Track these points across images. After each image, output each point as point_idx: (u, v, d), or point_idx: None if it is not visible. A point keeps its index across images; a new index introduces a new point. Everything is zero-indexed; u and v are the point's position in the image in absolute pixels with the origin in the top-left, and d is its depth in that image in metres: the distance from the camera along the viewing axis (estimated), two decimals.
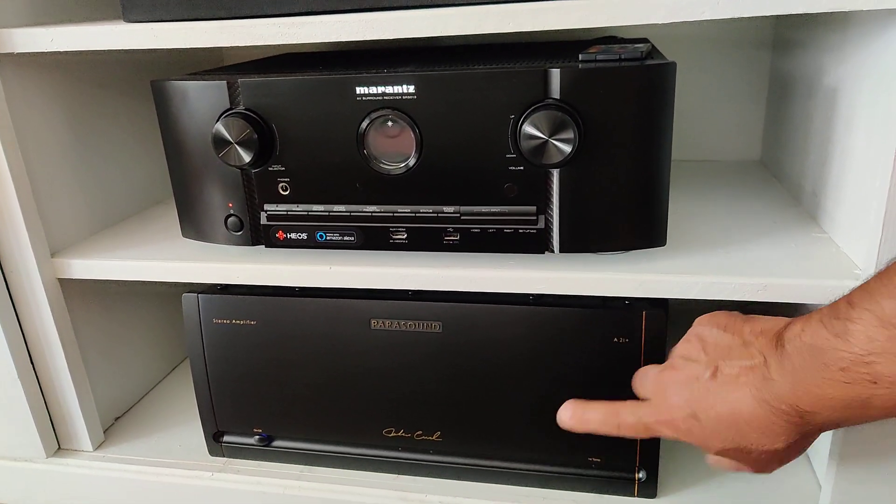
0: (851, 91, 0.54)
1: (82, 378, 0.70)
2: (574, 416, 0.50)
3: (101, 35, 0.55)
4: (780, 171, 0.76)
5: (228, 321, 0.63)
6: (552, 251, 0.54)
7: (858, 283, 0.49)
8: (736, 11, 0.45)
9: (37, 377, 0.69)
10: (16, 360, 0.66)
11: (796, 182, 0.69)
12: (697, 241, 0.59)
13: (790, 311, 0.67)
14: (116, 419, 0.77)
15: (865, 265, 0.49)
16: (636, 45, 0.55)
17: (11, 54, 0.58)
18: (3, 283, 0.64)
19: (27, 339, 0.67)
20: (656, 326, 0.55)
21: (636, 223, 0.53)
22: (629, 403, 0.49)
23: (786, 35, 0.75)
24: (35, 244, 0.63)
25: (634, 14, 0.47)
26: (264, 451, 0.67)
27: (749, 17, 0.46)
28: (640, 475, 0.60)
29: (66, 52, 0.57)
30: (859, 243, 0.52)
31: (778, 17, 0.77)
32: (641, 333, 0.55)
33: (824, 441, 0.58)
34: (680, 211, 0.67)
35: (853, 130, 0.54)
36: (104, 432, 0.74)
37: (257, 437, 0.67)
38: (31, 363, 0.68)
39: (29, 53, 0.58)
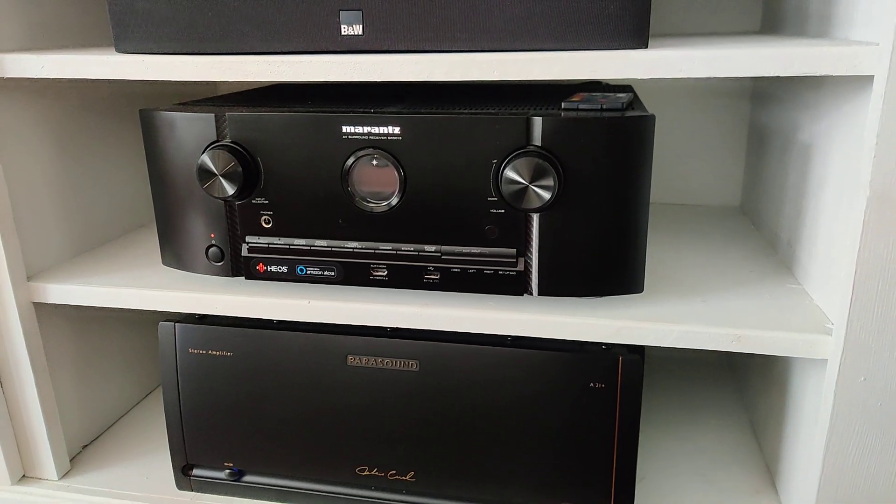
0: (824, 148, 0.56)
1: (51, 405, 0.69)
2: None
3: (91, 64, 0.56)
4: (758, 218, 0.77)
5: (204, 352, 0.63)
6: (531, 293, 0.55)
7: (830, 337, 0.50)
8: (711, 72, 0.47)
9: (5, 401, 0.67)
10: None
11: (773, 231, 0.70)
12: (675, 288, 0.60)
13: (770, 359, 0.68)
14: (84, 447, 0.75)
15: (838, 321, 0.50)
16: (618, 95, 0.57)
17: (1, 78, 0.59)
18: None
19: None
20: (633, 372, 0.55)
21: (614, 269, 0.54)
22: None
23: (764, 89, 0.78)
24: (11, 267, 0.62)
25: (616, 69, 0.48)
26: (234, 485, 0.66)
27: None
28: None
29: (56, 80, 0.57)
30: (832, 297, 0.53)
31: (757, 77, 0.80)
32: (618, 379, 0.56)
33: (799, 494, 0.59)
34: (659, 255, 0.68)
35: (825, 187, 0.55)
36: (70, 461, 0.73)
37: (227, 471, 0.66)
38: (0, 387, 0.67)
39: (19, 79, 0.58)
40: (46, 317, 0.67)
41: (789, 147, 0.66)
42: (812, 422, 0.55)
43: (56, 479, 0.70)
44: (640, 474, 0.68)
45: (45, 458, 0.69)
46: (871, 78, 0.45)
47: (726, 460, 0.70)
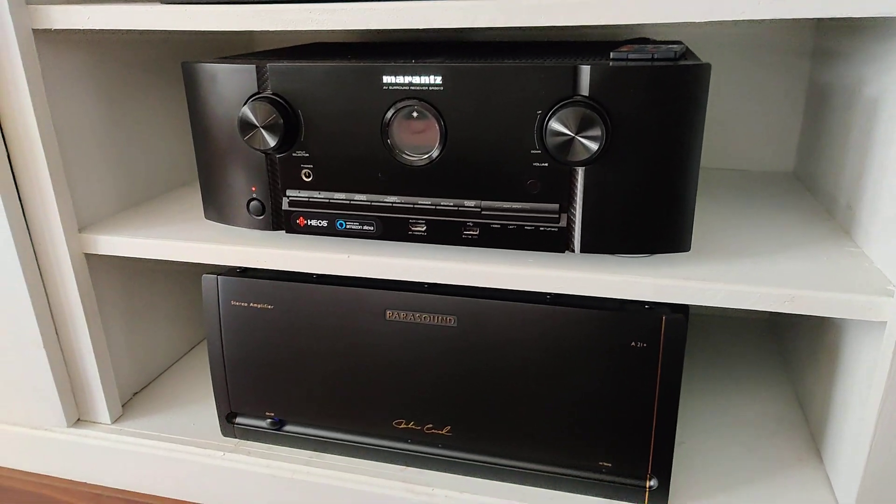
0: (893, 102, 0.52)
1: (104, 352, 0.71)
2: None
3: (136, 14, 0.56)
4: (813, 183, 0.74)
5: (246, 304, 0.64)
6: (573, 251, 0.54)
7: (891, 298, 0.47)
8: (776, 12, 0.44)
9: (61, 349, 0.70)
10: (42, 331, 0.68)
11: (830, 195, 0.67)
12: (723, 250, 0.58)
13: (820, 323, 0.65)
14: (134, 394, 0.78)
15: None
16: (670, 46, 0.54)
17: (49, 30, 0.59)
18: (33, 255, 0.66)
19: (53, 311, 0.68)
20: (676, 332, 0.54)
21: (661, 226, 0.52)
22: None
23: (826, 44, 0.73)
24: (64, 218, 0.64)
25: (672, 11, 0.46)
26: (275, 434, 0.68)
27: (789, 25, 0.44)
28: (652, 483, 0.59)
29: (102, 31, 0.57)
30: (894, 259, 0.50)
31: (819, 26, 0.75)
32: (660, 338, 0.54)
33: (846, 461, 0.57)
34: (707, 219, 0.66)
35: (893, 143, 0.52)
36: (122, 406, 0.76)
37: (269, 420, 0.67)
38: (56, 334, 0.69)
39: (65, 30, 0.59)
40: (97, 268, 0.69)
41: (853, 104, 0.62)
42: (865, 388, 0.53)
43: (109, 422, 0.73)
44: (679, 438, 0.67)
45: (99, 402, 0.72)
46: None
47: (769, 428, 0.68)
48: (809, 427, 0.68)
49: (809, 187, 0.75)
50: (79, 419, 0.74)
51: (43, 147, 0.61)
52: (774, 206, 0.69)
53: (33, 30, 0.59)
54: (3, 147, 0.62)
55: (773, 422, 0.69)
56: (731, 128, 0.84)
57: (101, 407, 0.73)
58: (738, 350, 0.82)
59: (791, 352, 0.78)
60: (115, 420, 0.74)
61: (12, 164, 0.62)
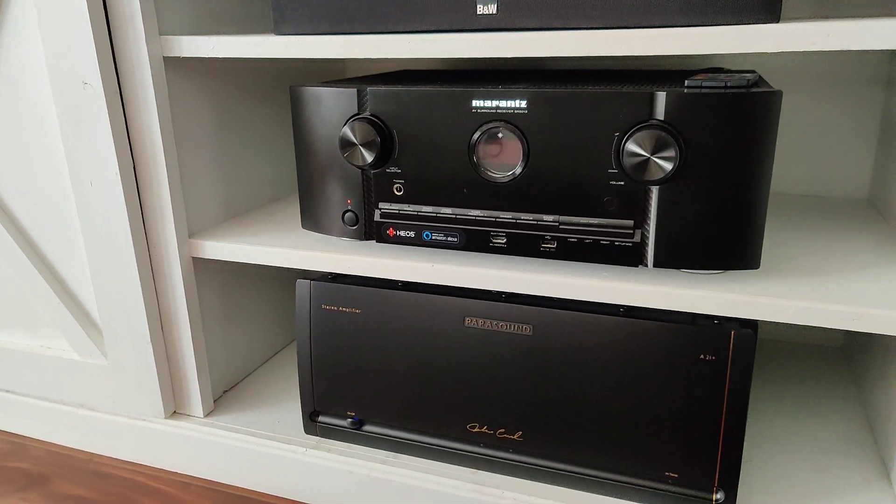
0: None
1: (202, 350, 0.78)
2: None
3: (256, 45, 0.64)
4: (886, 209, 0.75)
5: (336, 308, 0.69)
6: (646, 265, 0.57)
7: None
8: (845, 44, 0.47)
9: (165, 345, 0.77)
10: (150, 327, 0.75)
11: None
12: (794, 269, 0.60)
13: (891, 346, 0.66)
14: (225, 391, 0.85)
15: None
16: (743, 74, 0.57)
17: (178, 58, 0.68)
18: (147, 256, 0.73)
19: (161, 309, 0.76)
20: (745, 346, 0.56)
21: (731, 244, 0.55)
22: None
23: None
24: (178, 225, 0.72)
25: (746, 43, 0.49)
26: (355, 433, 0.72)
27: (864, 55, 0.47)
28: (718, 496, 0.60)
29: (223, 59, 0.65)
30: None
31: (894, 57, 0.77)
32: (729, 352, 0.56)
33: None
34: (779, 240, 0.68)
35: None
36: (214, 402, 0.82)
37: (350, 420, 0.72)
38: (162, 331, 0.77)
39: (192, 58, 0.67)
40: (202, 271, 0.77)
41: None
42: None
43: (202, 416, 0.79)
44: (747, 456, 0.68)
45: (194, 397, 0.79)
46: None
47: (838, 449, 0.68)
48: (879, 450, 0.67)
49: (882, 213, 0.76)
50: (175, 411, 0.81)
51: (165, 160, 0.69)
52: (847, 230, 0.70)
53: (164, 57, 0.67)
54: (131, 159, 0.70)
55: (842, 443, 0.69)
56: (806, 154, 0.85)
57: (195, 401, 0.79)
58: (810, 374, 0.83)
59: (862, 375, 0.78)
60: (208, 414, 0.80)
61: (137, 174, 0.70)
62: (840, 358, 0.87)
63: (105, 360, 0.80)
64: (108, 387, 0.81)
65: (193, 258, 0.74)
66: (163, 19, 0.67)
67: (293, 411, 0.79)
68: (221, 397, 0.84)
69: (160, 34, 0.67)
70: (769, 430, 0.72)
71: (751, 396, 0.78)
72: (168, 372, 0.78)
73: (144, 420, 0.80)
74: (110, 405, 0.82)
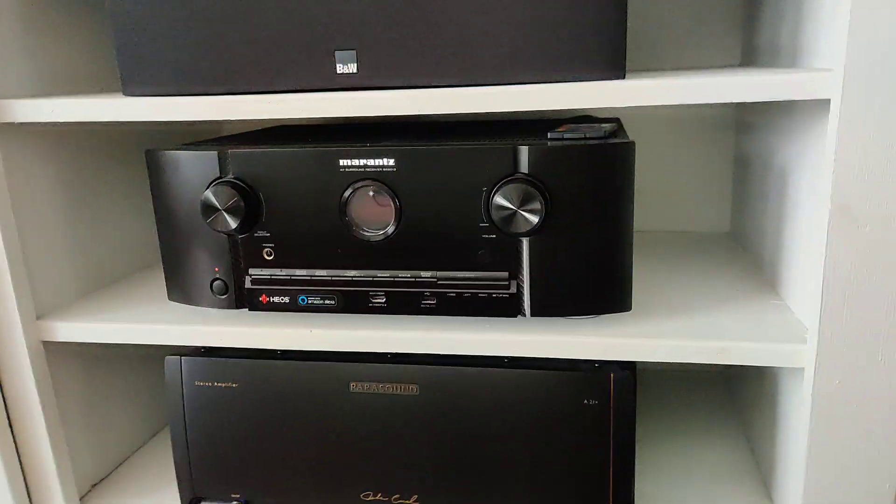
0: (798, 171, 0.59)
1: (61, 444, 0.70)
2: None
3: (100, 107, 0.59)
4: (745, 242, 0.80)
5: (210, 384, 0.64)
6: (524, 315, 0.57)
7: (805, 345, 0.52)
8: (681, 99, 0.50)
9: (15, 442, 0.69)
10: None
11: (758, 253, 0.73)
12: (663, 307, 0.62)
13: (760, 373, 0.70)
14: (93, 486, 0.76)
15: (811, 329, 0.52)
16: (602, 125, 0.60)
17: (12, 123, 0.62)
18: None
19: (7, 403, 0.67)
20: (624, 388, 0.57)
21: (602, 289, 0.56)
22: None
23: (745, 117, 0.81)
24: (21, 306, 0.64)
25: (595, 98, 0.52)
26: None
27: (710, 104, 0.50)
28: None
29: (66, 123, 0.60)
30: (807, 309, 0.55)
31: (737, 106, 0.84)
32: (610, 395, 0.57)
33: (789, 494, 0.60)
34: (649, 279, 0.70)
35: (800, 206, 0.58)
36: (80, 500, 0.73)
37: (235, 502, 0.67)
38: (10, 427, 0.68)
39: (30, 123, 0.61)
40: (56, 356, 0.69)
41: (768, 172, 0.69)
42: (797, 431, 0.56)
43: None
44: (640, 493, 0.69)
45: (55, 497, 0.70)
46: (828, 101, 0.48)
47: (724, 475, 0.71)
48: (760, 472, 0.71)
49: (743, 246, 0.81)
50: None
51: (2, 237, 0.62)
52: (710, 265, 0.75)
53: None
54: None
55: (727, 469, 0.72)
56: (673, 193, 0.90)
57: (56, 502, 0.71)
58: (694, 403, 0.86)
59: (741, 402, 0.82)
60: None
61: None
62: (720, 384, 0.91)
63: None
64: None
65: (44, 342, 0.67)
66: None
67: (172, 500, 0.72)
68: (89, 493, 0.75)
69: None
70: (657, 461, 0.74)
71: (640, 428, 0.80)
72: (20, 473, 0.70)
73: None
74: None
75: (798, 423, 0.56)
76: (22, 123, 0.62)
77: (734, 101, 0.50)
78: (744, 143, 0.81)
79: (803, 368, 0.54)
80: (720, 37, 0.84)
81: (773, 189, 0.67)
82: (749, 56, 0.80)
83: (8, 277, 0.63)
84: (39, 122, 0.61)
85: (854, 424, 0.53)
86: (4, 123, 0.61)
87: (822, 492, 0.55)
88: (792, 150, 0.61)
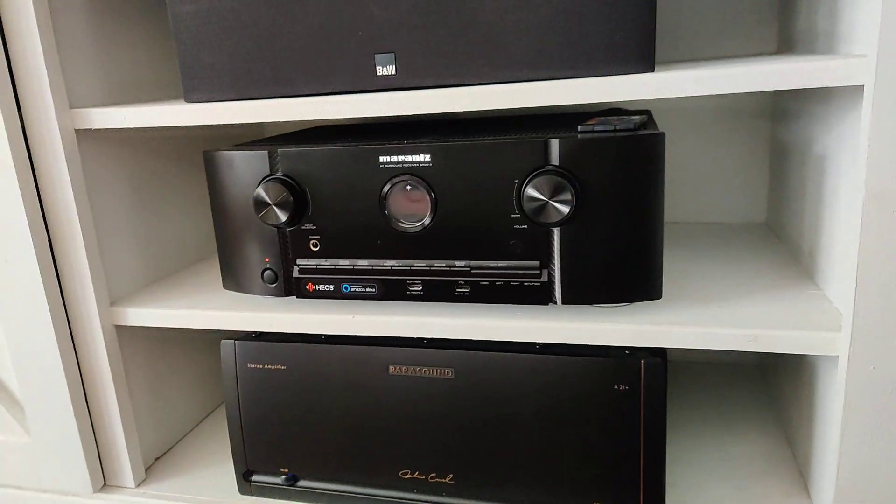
0: (836, 158, 0.59)
1: (130, 419, 0.76)
2: None
3: (166, 113, 0.65)
4: (782, 232, 0.79)
5: (261, 366, 0.69)
6: (555, 303, 0.59)
7: (840, 333, 0.52)
8: (710, 89, 0.51)
9: (90, 416, 0.75)
10: (73, 399, 0.73)
11: (796, 243, 0.72)
12: (696, 296, 0.63)
13: (799, 363, 0.69)
14: (157, 459, 0.83)
15: (847, 316, 0.52)
16: (632, 117, 0.61)
17: (90, 130, 0.68)
18: (67, 328, 0.72)
19: (84, 380, 0.74)
20: (655, 374, 0.58)
21: (633, 277, 0.58)
22: None
23: (782, 106, 0.80)
24: (98, 294, 0.71)
25: (624, 91, 0.53)
26: (289, 490, 0.72)
27: (745, 93, 0.51)
28: None
29: (134, 129, 0.66)
30: (844, 297, 0.55)
31: (775, 91, 0.83)
32: (640, 381, 0.59)
33: (829, 495, 0.60)
34: (681, 269, 0.71)
35: (838, 194, 0.58)
36: (146, 471, 0.80)
37: (283, 476, 0.71)
38: (87, 402, 0.75)
39: (104, 129, 0.67)
40: (126, 338, 0.75)
41: (807, 160, 0.68)
42: (832, 420, 0.56)
43: (133, 486, 0.77)
44: (672, 480, 0.70)
45: (124, 468, 0.77)
46: (861, 87, 0.48)
47: (759, 467, 0.71)
48: (798, 465, 0.70)
49: (779, 236, 0.81)
50: (105, 484, 0.78)
51: (82, 233, 0.69)
52: (745, 255, 0.75)
53: (76, 130, 0.68)
54: (46, 233, 0.69)
55: (763, 461, 0.72)
56: (707, 184, 0.90)
57: (126, 472, 0.77)
58: (730, 394, 0.86)
59: (778, 394, 0.81)
60: (139, 484, 0.78)
61: (52, 247, 0.70)
62: (757, 376, 0.90)
63: (28, 438, 0.77)
64: (32, 464, 0.78)
65: (116, 326, 0.73)
66: (73, 92, 0.68)
67: (227, 473, 0.77)
68: (153, 465, 0.82)
69: (70, 107, 0.67)
70: (692, 453, 0.74)
71: (673, 419, 0.81)
72: (95, 445, 0.76)
73: (73, 495, 0.78)
74: (36, 483, 0.79)
75: (833, 412, 0.56)
76: (97, 129, 0.68)
77: (764, 90, 0.50)
78: (780, 131, 0.81)
79: (837, 356, 0.54)
80: (755, 25, 0.84)
81: (811, 178, 0.66)
82: (785, 43, 0.79)
83: (87, 268, 0.70)
84: (113, 129, 0.67)
85: (888, 411, 0.53)
86: (83, 129, 0.68)
87: (855, 480, 0.55)
88: (829, 137, 0.60)
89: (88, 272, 0.70)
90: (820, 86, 0.50)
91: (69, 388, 0.72)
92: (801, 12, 0.71)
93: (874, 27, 0.47)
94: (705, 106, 0.88)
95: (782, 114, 0.80)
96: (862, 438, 0.54)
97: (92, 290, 0.70)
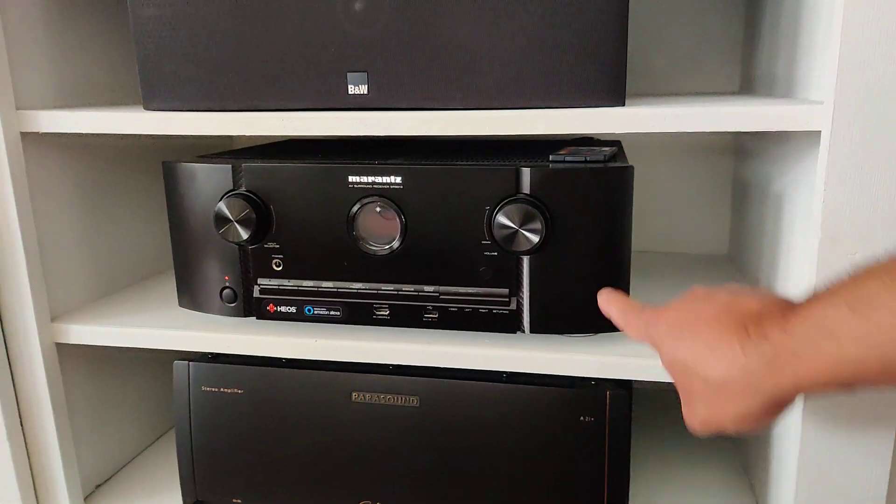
0: (793, 199, 0.60)
1: (69, 444, 0.72)
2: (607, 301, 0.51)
3: (122, 120, 0.62)
4: (742, 265, 0.81)
5: (216, 389, 0.66)
6: (523, 331, 0.59)
7: None
8: (678, 127, 0.52)
9: (24, 439, 0.70)
10: (6, 422, 0.68)
11: (755, 276, 0.74)
12: None
13: None
14: (97, 487, 0.78)
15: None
16: (602, 149, 0.62)
17: (37, 133, 0.64)
18: (2, 342, 0.67)
19: (19, 401, 0.69)
20: (620, 406, 0.58)
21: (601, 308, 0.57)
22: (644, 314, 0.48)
23: (743, 144, 0.83)
24: (37, 308, 0.67)
25: (595, 124, 0.54)
26: None
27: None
28: None
29: (88, 135, 0.63)
30: None
31: (735, 133, 0.85)
32: (606, 412, 0.59)
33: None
34: (647, 299, 0.71)
35: (795, 233, 0.59)
36: (85, 499, 0.75)
37: None
38: (21, 426, 0.70)
39: (53, 133, 0.64)
40: (67, 357, 0.71)
41: (766, 198, 0.70)
42: (790, 447, 0.57)
43: None
44: None
45: (61, 496, 0.72)
46: (818, 133, 0.50)
47: (719, 496, 0.72)
48: (755, 495, 0.71)
49: (740, 269, 0.83)
50: None
51: (22, 240, 0.64)
52: (705, 286, 0.76)
53: (21, 132, 0.64)
54: None
55: (722, 490, 0.73)
56: (673, 215, 0.92)
57: (62, 501, 0.72)
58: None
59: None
60: None
61: None
62: None
63: None
64: None
65: (57, 343, 0.69)
66: (20, 91, 0.64)
67: (173, 503, 0.73)
68: (93, 493, 0.77)
69: (17, 108, 0.63)
70: (654, 482, 0.75)
71: (634, 447, 0.81)
72: (29, 471, 0.71)
73: None
74: None
75: (791, 440, 0.57)
76: (45, 133, 0.64)
77: (727, 131, 0.51)
78: (742, 168, 0.83)
79: None
80: (720, 65, 0.86)
81: (770, 215, 0.68)
82: (747, 84, 0.82)
83: (26, 280, 0.65)
84: (62, 133, 0.63)
85: (845, 434, 0.54)
86: (29, 133, 0.64)
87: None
88: (787, 178, 0.62)
89: (28, 283, 0.65)
90: (779, 130, 0.51)
91: (3, 408, 0.67)
92: (763, 56, 0.74)
93: (831, 75, 0.48)
94: (672, 139, 0.90)
95: (744, 152, 0.83)
96: (819, 461, 0.55)
97: (31, 303, 0.66)
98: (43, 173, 0.68)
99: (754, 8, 0.79)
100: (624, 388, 0.59)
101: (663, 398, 0.94)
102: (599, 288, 0.57)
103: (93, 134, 0.63)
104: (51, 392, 0.69)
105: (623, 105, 0.54)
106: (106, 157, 0.77)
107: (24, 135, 0.64)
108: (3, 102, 0.62)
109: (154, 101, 0.62)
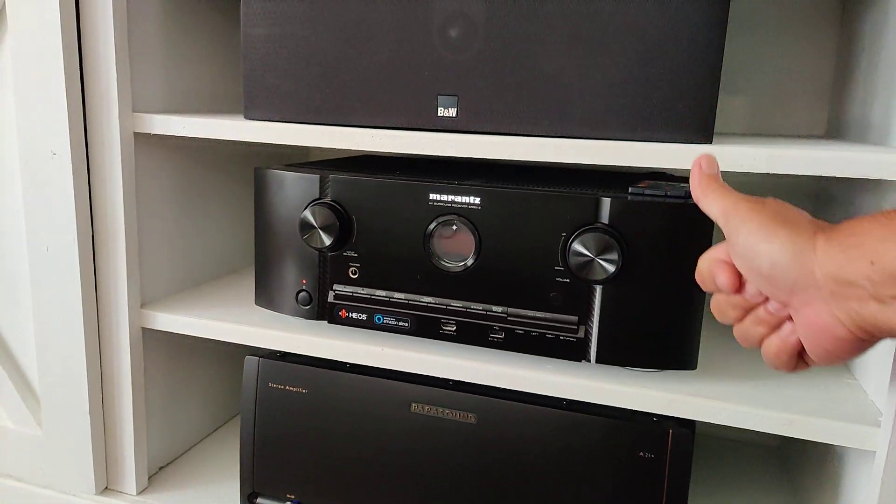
0: None
1: (142, 424, 0.76)
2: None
3: (224, 127, 0.66)
4: None
5: (282, 387, 0.69)
6: (589, 360, 0.59)
7: (878, 428, 0.51)
8: (768, 168, 0.52)
9: (103, 416, 0.75)
10: (91, 397, 0.73)
11: None
12: (730, 371, 0.62)
13: (825, 451, 0.68)
14: (161, 468, 0.82)
15: (886, 412, 0.51)
16: (682, 185, 0.62)
17: (148, 134, 0.70)
18: (96, 322, 0.72)
19: (103, 379, 0.74)
20: (682, 445, 0.57)
21: (670, 345, 0.57)
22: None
23: (825, 189, 0.81)
24: (130, 294, 0.71)
25: (680, 161, 0.54)
26: None
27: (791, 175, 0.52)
28: None
29: (191, 138, 0.67)
30: (883, 392, 0.54)
31: (819, 177, 0.83)
32: (667, 450, 0.58)
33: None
34: (715, 341, 0.70)
35: None
36: (149, 479, 0.79)
37: (289, 503, 0.70)
38: (102, 402, 0.75)
39: (161, 135, 0.69)
40: (150, 342, 0.76)
41: None
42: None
43: (134, 494, 0.76)
44: None
45: (129, 473, 0.76)
46: None
47: None
48: None
49: None
50: (106, 487, 0.77)
51: (125, 231, 0.70)
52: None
53: (135, 133, 0.69)
54: (90, 227, 0.70)
55: None
56: None
57: (129, 478, 0.76)
58: (748, 473, 0.84)
59: (798, 478, 0.79)
60: (140, 492, 0.77)
61: (94, 242, 0.71)
62: (777, 458, 0.88)
63: (39, 430, 0.77)
64: (39, 458, 0.77)
65: (143, 328, 0.74)
66: (137, 96, 0.69)
67: (230, 491, 0.76)
68: (157, 474, 0.81)
69: (133, 111, 0.69)
70: None
71: (691, 492, 0.79)
72: (103, 446, 0.76)
73: (73, 495, 0.77)
74: (40, 477, 0.78)
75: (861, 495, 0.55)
76: (154, 135, 0.70)
77: (825, 175, 0.50)
78: (821, 214, 0.80)
79: (874, 452, 0.52)
80: (807, 106, 0.85)
81: None
82: (835, 128, 0.80)
83: (124, 266, 0.70)
84: (169, 136, 0.68)
85: None
86: (141, 133, 0.69)
87: None
88: None
89: (125, 270, 0.70)
90: (879, 178, 0.50)
91: (89, 384, 0.72)
92: (856, 101, 0.72)
93: None
94: (750, 180, 0.88)
95: (824, 197, 0.81)
96: None
97: (126, 288, 0.71)
98: (148, 171, 0.73)
99: (848, 49, 0.77)
100: (687, 427, 0.58)
101: (714, 443, 0.91)
102: (670, 323, 0.56)
103: (194, 137, 0.68)
104: (132, 373, 0.73)
105: (710, 143, 0.54)
106: (200, 160, 0.82)
107: (137, 135, 0.70)
108: (123, 106, 0.67)
109: (254, 111, 0.66)
